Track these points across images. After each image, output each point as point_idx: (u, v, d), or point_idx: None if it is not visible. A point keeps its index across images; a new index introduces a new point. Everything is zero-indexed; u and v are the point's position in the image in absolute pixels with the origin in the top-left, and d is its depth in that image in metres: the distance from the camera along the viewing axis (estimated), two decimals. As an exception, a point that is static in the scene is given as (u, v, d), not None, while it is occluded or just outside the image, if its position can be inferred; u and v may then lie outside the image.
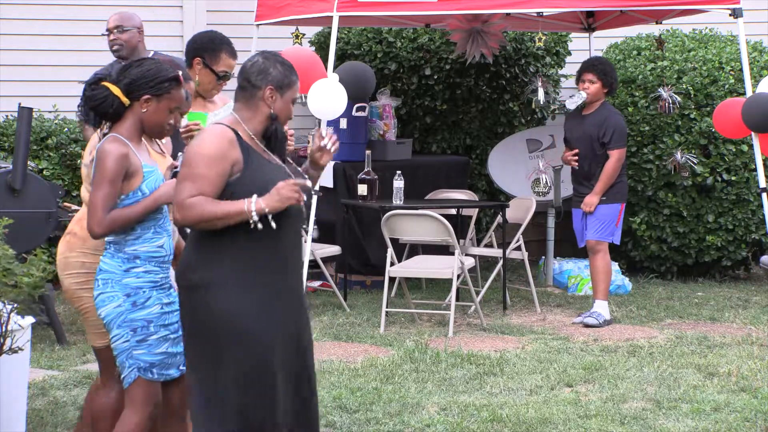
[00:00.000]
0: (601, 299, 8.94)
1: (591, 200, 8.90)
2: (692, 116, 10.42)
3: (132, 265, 4.69)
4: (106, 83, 4.67)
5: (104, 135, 4.71)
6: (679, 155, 9.99)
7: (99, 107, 4.66)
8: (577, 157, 9.04)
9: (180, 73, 4.81)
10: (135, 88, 4.67)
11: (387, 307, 8.77)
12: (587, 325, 8.77)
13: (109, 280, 4.68)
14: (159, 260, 4.74)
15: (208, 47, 6.13)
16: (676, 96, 10.08)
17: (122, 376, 4.76)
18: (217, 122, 4.59)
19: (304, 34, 9.76)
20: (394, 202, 9.42)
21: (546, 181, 10.17)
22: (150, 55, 7.29)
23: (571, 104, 9.13)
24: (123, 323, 4.68)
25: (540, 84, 10.14)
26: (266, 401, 4.51)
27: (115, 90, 4.66)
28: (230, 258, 4.47)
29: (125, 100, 4.67)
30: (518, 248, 9.59)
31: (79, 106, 4.84)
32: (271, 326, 4.51)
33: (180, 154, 4.93)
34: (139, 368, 4.72)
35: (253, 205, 4.40)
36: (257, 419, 4.51)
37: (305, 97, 8.55)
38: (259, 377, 4.49)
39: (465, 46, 10.03)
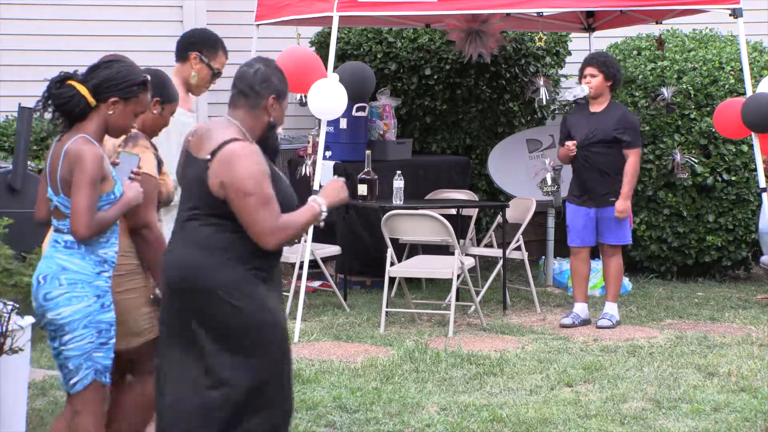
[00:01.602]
0: (612, 301, 8.87)
1: (623, 206, 8.71)
2: (692, 116, 10.42)
3: (102, 269, 4.68)
4: (72, 82, 4.62)
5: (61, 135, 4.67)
6: (678, 155, 9.98)
7: (64, 106, 4.61)
8: (574, 148, 8.89)
9: (149, 77, 4.81)
10: (103, 90, 4.64)
11: (387, 307, 8.77)
12: (600, 327, 8.70)
13: (80, 281, 4.62)
14: (114, 266, 4.76)
15: (207, 43, 6.13)
16: (669, 98, 10.08)
17: (73, 379, 4.70)
18: (232, 138, 4.52)
19: (300, 34, 9.76)
20: (394, 202, 9.42)
21: (552, 180, 10.09)
22: None
23: (569, 95, 9.01)
24: (90, 324, 4.64)
25: (542, 83, 10.12)
26: (291, 393, 4.70)
27: (83, 90, 4.61)
28: (242, 257, 4.53)
29: (92, 100, 4.62)
30: (518, 248, 9.59)
31: (39, 102, 4.72)
32: (282, 318, 4.67)
33: (123, 152, 4.88)
34: (96, 371, 4.70)
35: (323, 206, 4.61)
36: (290, 414, 4.68)
37: (305, 97, 8.55)
38: (288, 368, 4.65)
39: (463, 46, 10.01)
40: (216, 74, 6.10)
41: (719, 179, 10.46)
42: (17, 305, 5.12)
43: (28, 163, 8.08)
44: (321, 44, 11.09)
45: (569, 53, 11.67)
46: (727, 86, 10.43)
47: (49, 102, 4.63)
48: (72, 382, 4.70)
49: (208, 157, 4.48)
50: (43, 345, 8.07)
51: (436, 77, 11.19)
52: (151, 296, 4.98)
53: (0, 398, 5.70)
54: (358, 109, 10.26)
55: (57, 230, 4.67)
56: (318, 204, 4.60)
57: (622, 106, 9.06)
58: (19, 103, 8.22)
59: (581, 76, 8.98)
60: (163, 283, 4.64)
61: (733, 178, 10.44)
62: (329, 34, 9.17)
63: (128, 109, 4.69)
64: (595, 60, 8.88)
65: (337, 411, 6.55)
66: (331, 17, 8.79)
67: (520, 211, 9.66)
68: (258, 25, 9.96)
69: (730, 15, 8.92)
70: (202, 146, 4.53)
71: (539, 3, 9.35)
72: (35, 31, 10.97)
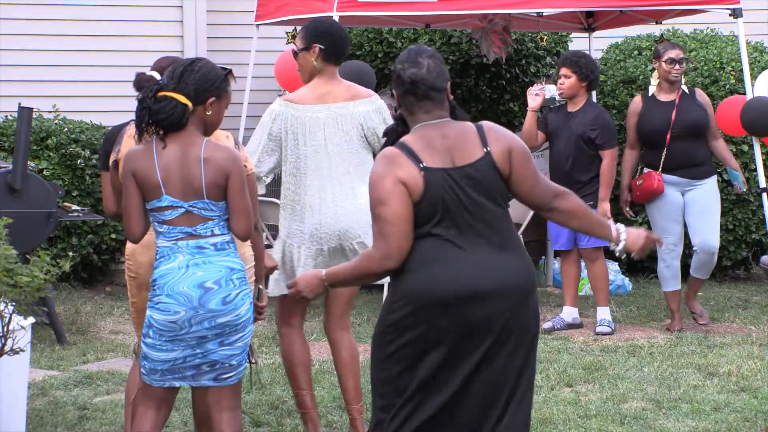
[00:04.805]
0: (604, 305, 8.76)
1: (603, 209, 8.54)
2: (692, 116, 10.40)
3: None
4: (167, 93, 4.58)
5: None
6: None
7: (170, 118, 4.56)
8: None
9: (231, 69, 4.84)
10: (202, 93, 4.62)
11: (387, 307, 8.74)
12: (599, 334, 8.60)
13: (243, 278, 4.66)
14: None
15: None
16: None
17: (233, 374, 4.70)
18: (471, 122, 4.43)
19: (295, 34, 9.74)
20: (394, 201, 9.37)
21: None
22: None
23: (533, 96, 8.83)
24: (252, 319, 4.72)
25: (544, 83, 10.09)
26: None
27: (182, 98, 4.58)
28: None
29: (191, 106, 4.60)
30: (518, 248, 9.56)
31: (139, 120, 4.63)
32: None
33: None
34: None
35: None
36: None
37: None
38: None
39: (481, 46, 9.93)
40: None
41: (719, 179, 10.41)
42: (18, 305, 5.10)
43: (28, 163, 8.08)
44: (321, 44, 11.07)
45: (569, 53, 11.67)
46: (727, 86, 10.42)
47: (149, 117, 4.57)
48: (227, 376, 4.69)
49: (485, 150, 4.32)
50: (43, 345, 8.08)
51: (436, 77, 11.18)
52: (259, 288, 5.09)
53: (0, 398, 5.70)
54: (358, 109, 10.23)
55: (192, 236, 4.60)
56: None
57: (597, 107, 8.90)
58: (19, 103, 8.22)
59: (557, 75, 8.90)
60: (506, 292, 4.28)
61: (733, 178, 10.42)
62: (329, 34, 9.15)
63: (222, 104, 4.71)
64: (569, 60, 8.70)
65: (337, 411, 6.55)
66: (331, 17, 8.79)
67: (520, 211, 9.65)
68: (258, 25, 9.96)
69: (730, 15, 8.92)
70: (463, 152, 4.30)
71: (539, 3, 9.35)
72: (35, 31, 10.97)
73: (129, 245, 5.10)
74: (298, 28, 9.61)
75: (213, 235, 4.60)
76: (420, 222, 4.24)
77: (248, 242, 5.13)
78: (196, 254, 4.59)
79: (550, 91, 8.76)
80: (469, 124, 4.39)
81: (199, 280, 4.56)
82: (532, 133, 8.78)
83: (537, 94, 8.73)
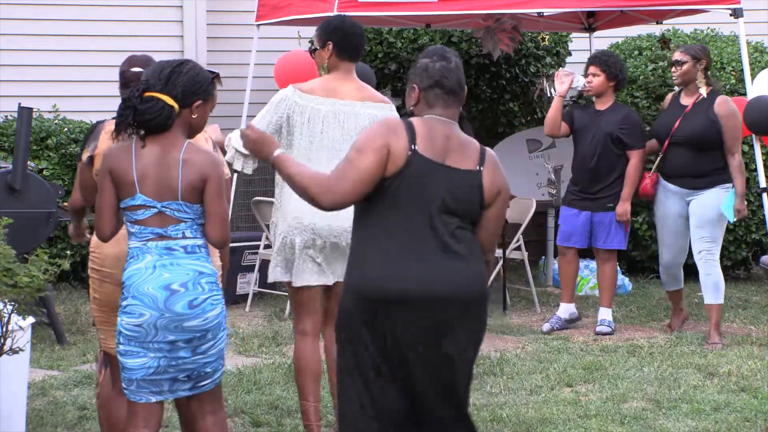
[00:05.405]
0: (607, 307, 8.76)
1: (624, 209, 8.57)
2: (692, 116, 10.40)
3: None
4: (154, 94, 4.52)
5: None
6: None
7: (156, 119, 4.50)
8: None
9: (218, 73, 4.79)
10: (189, 95, 4.57)
11: (387, 307, 8.74)
12: (599, 333, 8.62)
13: (214, 283, 4.56)
14: None
15: None
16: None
17: (209, 381, 4.64)
18: (480, 143, 4.44)
19: (300, 35, 9.75)
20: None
21: (550, 181, 10.03)
22: None
23: (561, 80, 8.79)
24: (225, 324, 4.63)
25: (546, 83, 10.08)
26: None
27: (168, 100, 4.52)
28: None
29: (177, 108, 4.56)
30: (518, 248, 9.59)
31: (123, 120, 4.54)
32: None
33: None
34: (222, 366, 4.71)
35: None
36: None
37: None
38: None
39: (485, 45, 9.93)
40: None
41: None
42: (17, 305, 5.10)
43: (28, 163, 8.08)
44: (321, 44, 11.08)
45: (569, 53, 11.68)
46: (728, 86, 10.42)
47: (134, 117, 4.51)
48: (207, 383, 4.64)
49: (478, 168, 4.33)
50: (43, 345, 8.07)
51: (436, 77, 11.18)
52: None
53: (0, 398, 5.70)
54: (358, 110, 10.23)
55: (162, 237, 4.52)
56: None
57: (626, 107, 8.92)
58: (19, 103, 8.22)
59: (585, 74, 8.92)
60: (455, 301, 4.25)
61: (734, 178, 10.40)
62: (329, 34, 9.15)
63: (207, 107, 4.66)
64: (598, 59, 8.76)
65: (337, 411, 6.54)
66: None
67: (520, 211, 9.65)
68: (258, 25, 9.96)
69: (731, 15, 8.91)
70: (457, 158, 4.32)
71: (540, 3, 9.34)
72: (35, 31, 10.98)
73: (95, 237, 5.02)
74: (301, 28, 9.64)
75: (184, 237, 4.52)
76: (382, 203, 4.22)
77: (217, 252, 5.04)
78: (164, 255, 4.51)
79: (579, 80, 8.75)
80: (475, 141, 4.41)
81: (165, 282, 4.48)
82: (557, 121, 8.75)
83: (563, 81, 8.73)
